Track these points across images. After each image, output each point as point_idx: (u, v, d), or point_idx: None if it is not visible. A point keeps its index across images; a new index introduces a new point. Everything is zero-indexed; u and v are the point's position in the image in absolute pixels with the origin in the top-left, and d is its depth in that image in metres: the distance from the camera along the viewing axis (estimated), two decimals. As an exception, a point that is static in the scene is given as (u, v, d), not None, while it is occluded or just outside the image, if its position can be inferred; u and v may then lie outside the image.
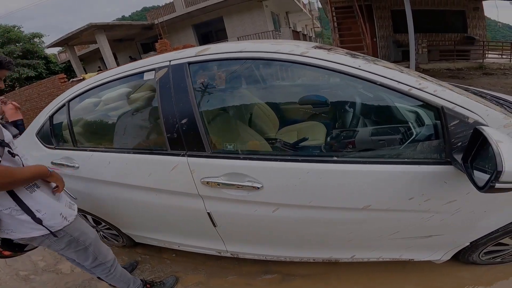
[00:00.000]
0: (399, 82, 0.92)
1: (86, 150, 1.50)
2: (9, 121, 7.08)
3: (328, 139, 1.42)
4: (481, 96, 1.17)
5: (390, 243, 1.19)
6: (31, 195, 1.20)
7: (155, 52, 13.30)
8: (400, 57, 8.60)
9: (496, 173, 0.66)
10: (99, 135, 1.76)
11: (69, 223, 1.29)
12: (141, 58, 12.07)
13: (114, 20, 22.37)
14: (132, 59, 15.55)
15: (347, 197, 1.01)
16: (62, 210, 1.28)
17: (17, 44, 16.30)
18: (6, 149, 1.14)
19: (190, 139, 1.11)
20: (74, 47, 15.05)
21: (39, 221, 1.20)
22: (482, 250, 1.21)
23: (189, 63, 1.16)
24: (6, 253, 1.37)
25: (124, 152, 1.39)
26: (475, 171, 0.76)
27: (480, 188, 0.73)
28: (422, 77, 1.02)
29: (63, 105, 1.63)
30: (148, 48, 16.67)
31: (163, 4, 15.68)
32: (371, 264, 1.54)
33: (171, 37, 13.23)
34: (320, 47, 1.12)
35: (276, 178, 1.02)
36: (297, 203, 1.05)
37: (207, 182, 1.09)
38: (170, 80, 1.18)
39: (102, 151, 1.47)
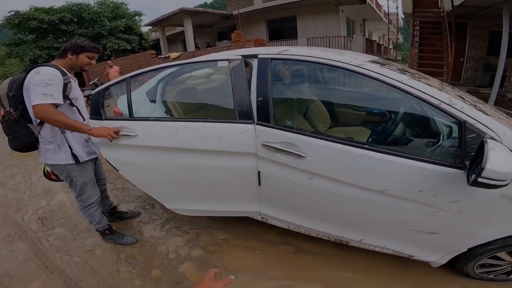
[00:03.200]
0: (432, 96, 1.15)
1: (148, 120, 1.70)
2: (111, 81, 8.74)
3: (370, 140, 1.68)
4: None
5: (396, 233, 1.39)
6: (62, 135, 1.73)
7: (228, 41, 14.28)
8: (487, 82, 7.71)
9: (479, 169, 0.88)
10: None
11: (72, 163, 1.76)
12: (215, 45, 13.14)
13: (196, 6, 23.69)
14: (209, 45, 16.84)
15: (369, 179, 1.27)
16: (74, 153, 1.75)
17: (122, 20, 18.25)
18: (67, 101, 1.69)
19: (261, 113, 1.47)
20: (165, 28, 16.86)
21: (54, 153, 1.74)
22: (477, 261, 1.34)
23: (272, 59, 1.53)
24: (53, 177, 1.95)
25: (193, 121, 1.63)
26: (472, 174, 0.96)
27: (468, 182, 0.95)
28: (460, 97, 1.22)
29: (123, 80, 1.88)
30: (223, 36, 17.72)
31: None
32: (373, 257, 1.73)
33: (244, 29, 13.93)
34: (375, 62, 1.39)
35: (317, 152, 1.34)
36: (329, 175, 1.35)
37: (266, 146, 1.44)
38: (242, 69, 1.55)
39: (167, 121, 1.71)
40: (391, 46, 22.60)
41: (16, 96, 1.63)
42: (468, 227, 1.21)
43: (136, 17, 19.86)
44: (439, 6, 7.35)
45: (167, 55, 10.47)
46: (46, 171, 1.95)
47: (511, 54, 5.76)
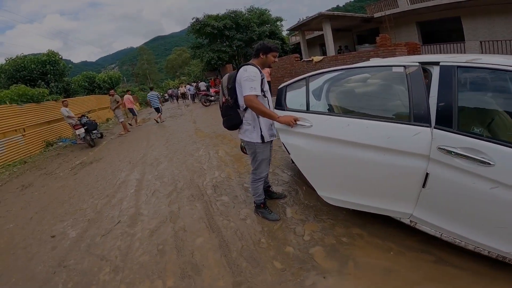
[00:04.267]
0: None
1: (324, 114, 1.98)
2: (263, 81, 10.34)
3: None
4: None
5: None
6: (257, 119, 2.15)
7: (370, 45, 13.51)
8: None
9: None
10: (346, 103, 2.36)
11: (259, 142, 2.17)
12: (355, 50, 12.82)
13: (329, 10, 22.93)
14: (347, 49, 16.47)
15: None
16: (262, 134, 2.16)
17: (267, 25, 20.35)
18: (262, 93, 2.09)
19: (441, 117, 1.52)
20: (304, 32, 17.71)
21: (250, 132, 2.18)
22: None
23: (458, 67, 1.56)
24: (244, 150, 2.45)
25: (364, 119, 1.79)
26: None
27: None
28: None
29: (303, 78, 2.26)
30: (362, 40, 16.93)
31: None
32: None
33: (393, 33, 12.92)
34: None
35: (512, 162, 1.27)
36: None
37: (443, 149, 1.47)
38: (420, 75, 1.62)
39: (340, 116, 1.94)
40: None
41: (232, 88, 2.13)
42: None
43: (278, 22, 21.55)
44: None
45: (311, 59, 10.90)
46: (242, 145, 2.52)
47: None
